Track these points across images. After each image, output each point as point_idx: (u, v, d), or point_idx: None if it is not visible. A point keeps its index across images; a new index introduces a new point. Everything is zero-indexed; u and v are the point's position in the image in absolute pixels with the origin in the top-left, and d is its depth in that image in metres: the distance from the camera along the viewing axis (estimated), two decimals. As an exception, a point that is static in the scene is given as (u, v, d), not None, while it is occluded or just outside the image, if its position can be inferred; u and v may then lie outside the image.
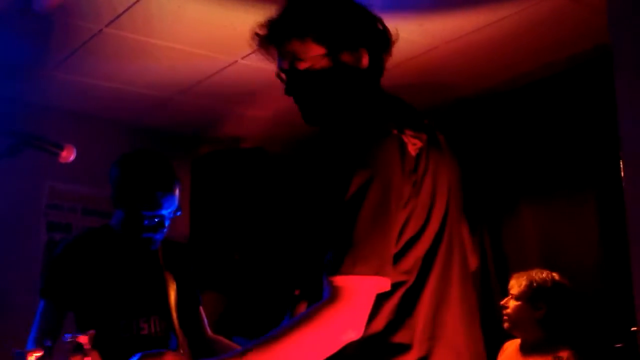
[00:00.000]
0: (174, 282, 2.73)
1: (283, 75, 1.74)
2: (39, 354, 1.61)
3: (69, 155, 2.05)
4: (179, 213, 2.64)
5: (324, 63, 1.66)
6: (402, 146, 1.50)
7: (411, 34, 3.59)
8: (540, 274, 3.27)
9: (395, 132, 1.51)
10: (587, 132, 3.84)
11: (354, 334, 1.45)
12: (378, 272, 1.43)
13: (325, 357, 1.46)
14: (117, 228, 2.65)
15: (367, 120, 1.53)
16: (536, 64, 3.99)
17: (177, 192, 2.61)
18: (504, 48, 3.80)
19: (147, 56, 3.93)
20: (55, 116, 4.54)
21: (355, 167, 1.46)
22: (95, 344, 2.56)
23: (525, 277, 3.28)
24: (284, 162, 5.33)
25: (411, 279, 1.52)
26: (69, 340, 1.68)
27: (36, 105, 4.51)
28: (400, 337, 1.49)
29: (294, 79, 1.70)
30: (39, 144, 2.00)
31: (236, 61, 3.99)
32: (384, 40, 1.73)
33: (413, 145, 1.52)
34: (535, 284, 3.23)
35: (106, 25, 3.58)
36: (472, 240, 1.83)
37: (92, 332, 1.72)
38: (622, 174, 2.46)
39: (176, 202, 2.61)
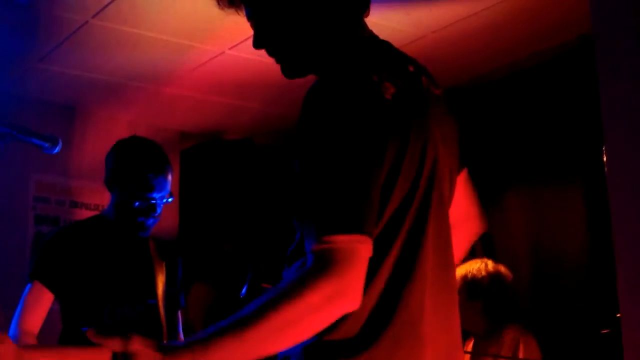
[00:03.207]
0: (163, 275, 2.74)
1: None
2: None
3: (54, 146, 2.04)
4: (171, 199, 2.66)
5: None
6: (379, 95, 1.31)
7: (398, 23, 3.59)
8: (474, 265, 3.30)
9: (375, 79, 1.33)
10: (573, 120, 3.86)
11: (347, 303, 1.19)
12: (363, 230, 1.20)
13: (313, 334, 1.22)
14: (110, 216, 2.67)
15: (346, 69, 1.34)
16: (522, 53, 4.00)
17: (169, 176, 2.64)
18: (490, 37, 3.81)
19: (134, 47, 3.91)
20: (41, 108, 4.52)
21: (329, 125, 1.25)
22: (78, 329, 2.58)
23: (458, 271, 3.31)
24: (272, 154, 5.33)
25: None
26: None
27: (22, 97, 4.49)
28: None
29: (265, 22, 1.45)
30: (23, 135, 1.99)
31: (223, 52, 3.98)
32: None
33: (388, 90, 1.33)
34: (469, 277, 3.27)
35: (92, 17, 3.56)
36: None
37: None
38: (605, 162, 2.48)
39: (168, 187, 2.64)
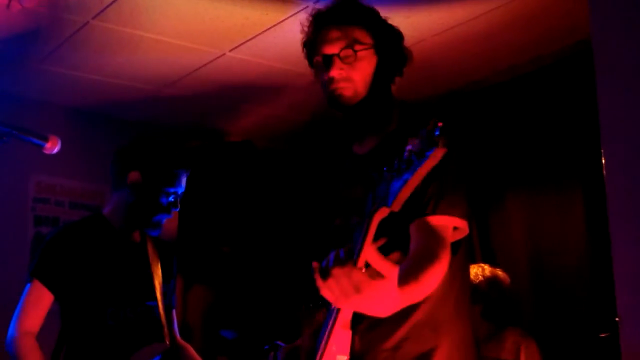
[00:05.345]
0: (160, 275, 2.74)
1: (319, 59, 1.95)
2: None
3: (53, 146, 2.04)
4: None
5: (371, 52, 1.97)
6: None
7: (398, 27, 3.58)
8: (471, 271, 3.29)
9: None
10: (573, 124, 3.86)
11: None
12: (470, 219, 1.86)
13: None
14: (113, 216, 2.67)
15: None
16: (522, 58, 4.00)
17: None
18: (490, 41, 3.81)
19: (134, 49, 3.92)
20: (41, 109, 4.52)
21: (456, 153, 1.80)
22: (80, 331, 2.59)
23: None
24: (272, 156, 5.33)
25: None
26: None
27: (22, 97, 4.49)
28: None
29: (349, 59, 1.93)
30: (23, 134, 1.99)
31: (224, 54, 3.98)
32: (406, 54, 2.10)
33: None
34: None
35: (93, 18, 3.57)
36: None
37: None
38: (603, 165, 2.48)
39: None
